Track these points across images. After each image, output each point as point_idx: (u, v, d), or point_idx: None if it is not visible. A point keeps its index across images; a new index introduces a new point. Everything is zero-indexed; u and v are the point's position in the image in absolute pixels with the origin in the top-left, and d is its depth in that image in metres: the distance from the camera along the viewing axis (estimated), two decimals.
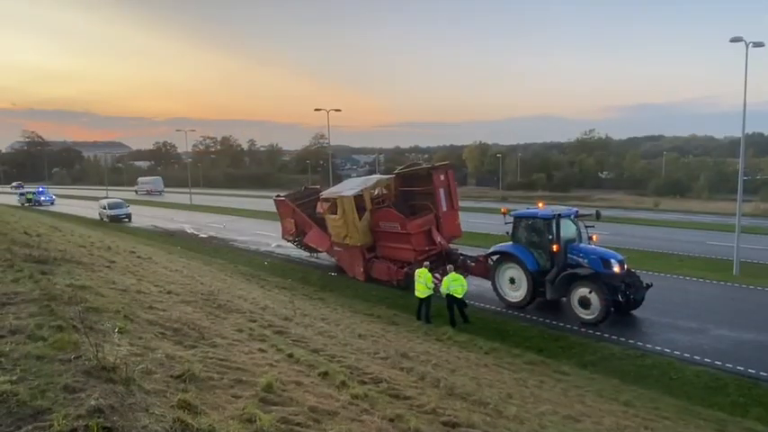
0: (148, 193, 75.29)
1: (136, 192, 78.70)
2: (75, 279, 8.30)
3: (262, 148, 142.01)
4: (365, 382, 6.97)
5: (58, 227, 24.61)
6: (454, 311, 15.37)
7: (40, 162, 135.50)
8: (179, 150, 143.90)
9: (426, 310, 15.79)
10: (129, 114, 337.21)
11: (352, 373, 7.25)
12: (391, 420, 5.50)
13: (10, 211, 36.24)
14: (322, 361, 7.50)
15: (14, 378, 3.86)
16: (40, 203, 60.46)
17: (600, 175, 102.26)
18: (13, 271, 7.96)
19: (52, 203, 61.65)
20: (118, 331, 5.62)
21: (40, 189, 65.95)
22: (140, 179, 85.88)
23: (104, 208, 44.53)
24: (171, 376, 4.80)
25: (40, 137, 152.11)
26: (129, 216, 43.60)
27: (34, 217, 33.84)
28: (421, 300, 15.85)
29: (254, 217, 44.15)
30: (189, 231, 36.94)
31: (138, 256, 17.95)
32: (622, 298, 15.35)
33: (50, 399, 3.59)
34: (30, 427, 3.22)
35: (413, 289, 16.22)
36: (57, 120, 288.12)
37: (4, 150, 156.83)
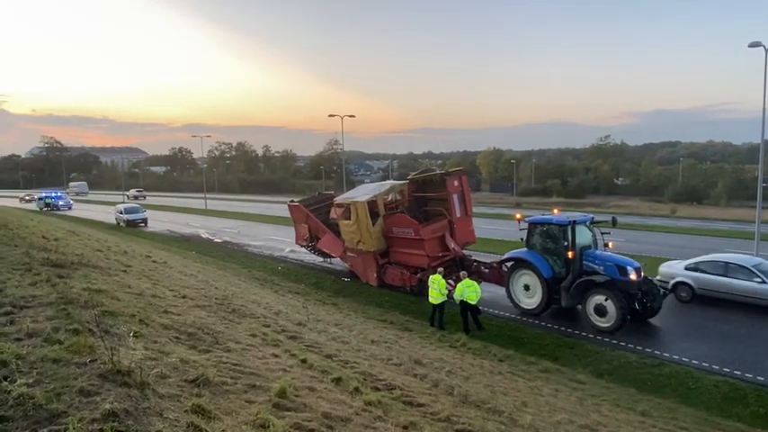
0: (77, 194, 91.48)
1: (67, 193, 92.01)
2: (91, 283, 8.37)
3: (276, 154, 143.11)
4: (378, 389, 6.93)
5: (76, 231, 24.92)
6: (468, 318, 15.28)
7: (59, 167, 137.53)
8: (195, 156, 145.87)
9: (440, 317, 15.72)
10: (146, 120, 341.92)
11: (365, 380, 7.22)
12: (405, 428, 5.46)
13: (29, 215, 36.79)
14: (335, 367, 7.47)
15: (31, 381, 3.89)
16: (57, 208, 61.31)
17: (615, 181, 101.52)
18: (31, 274, 8.04)
19: (70, 208, 62.51)
20: (133, 335, 5.66)
21: (57, 194, 67.49)
22: (71, 183, 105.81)
23: (121, 213, 45.03)
24: (185, 381, 4.81)
25: (59, 142, 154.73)
26: (145, 221, 44.04)
27: (52, 221, 34.32)
28: (434, 306, 15.79)
29: (269, 222, 44.37)
30: (204, 236, 37.18)
31: (154, 261, 18.09)
32: (639, 306, 15.16)
33: (66, 402, 3.61)
34: (45, 430, 3.25)
35: (426, 295, 16.15)
36: (75, 126, 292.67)
37: (23, 156, 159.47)
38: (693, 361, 12.70)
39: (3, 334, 5.03)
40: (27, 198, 76.66)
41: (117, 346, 4.75)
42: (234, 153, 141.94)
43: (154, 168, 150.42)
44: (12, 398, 3.61)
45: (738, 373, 11.95)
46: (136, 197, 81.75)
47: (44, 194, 65.62)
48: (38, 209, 59.56)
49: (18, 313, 5.84)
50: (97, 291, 7.73)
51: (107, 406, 3.49)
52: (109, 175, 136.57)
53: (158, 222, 45.26)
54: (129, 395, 3.82)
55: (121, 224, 43.75)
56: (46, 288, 7.17)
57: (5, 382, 3.84)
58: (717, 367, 12.29)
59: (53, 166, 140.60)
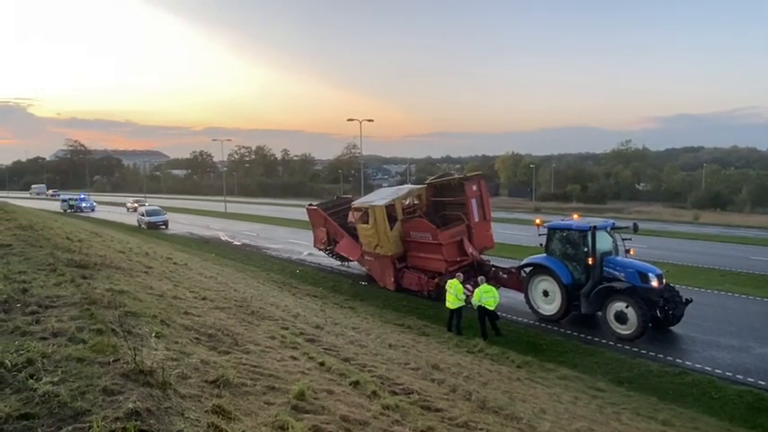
0: (38, 194, 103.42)
1: (30, 194, 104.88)
2: (114, 284, 8.48)
3: (295, 158, 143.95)
4: (396, 393, 6.93)
5: (99, 233, 25.30)
6: (486, 324, 15.18)
7: (82, 170, 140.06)
8: (215, 159, 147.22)
9: (457, 322, 15.64)
10: (168, 124, 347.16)
11: (383, 384, 7.23)
12: None
13: (53, 217, 37.45)
14: (353, 370, 7.49)
15: (56, 379, 3.95)
16: (81, 210, 62.39)
17: (637, 186, 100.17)
18: (56, 275, 8.17)
19: (93, 210, 63.59)
20: (155, 336, 5.72)
21: (82, 196, 68.71)
22: (33, 186, 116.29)
23: (142, 215, 45.73)
24: (205, 381, 4.86)
25: (83, 145, 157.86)
26: (166, 223, 44.63)
27: (75, 223, 34.86)
28: (452, 311, 15.72)
29: (287, 225, 44.63)
30: (223, 239, 37.55)
31: (175, 263, 18.29)
32: (660, 313, 14.95)
33: (90, 401, 3.66)
34: (70, 428, 3.29)
35: (443, 300, 16.10)
36: (99, 129, 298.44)
37: (48, 158, 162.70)
38: (716, 370, 12.48)
39: (29, 333, 5.13)
40: (133, 205, 61.37)
41: (139, 347, 4.81)
42: (253, 157, 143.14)
43: (175, 171, 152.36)
44: (37, 395, 3.67)
45: (763, 383, 11.70)
46: (39, 194, 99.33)
47: (66, 196, 67.07)
48: (61, 210, 60.67)
49: (43, 313, 5.94)
50: (120, 291, 7.84)
51: (130, 405, 3.54)
52: (131, 177, 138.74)
53: (179, 225, 45.81)
54: (151, 395, 3.87)
55: (143, 226, 44.40)
56: (70, 288, 7.28)
57: (31, 380, 3.91)
58: (741, 377, 12.06)
59: (77, 169, 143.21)
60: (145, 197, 75.51)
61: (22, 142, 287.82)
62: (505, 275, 18.39)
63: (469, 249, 19.08)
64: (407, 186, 25.94)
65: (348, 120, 46.37)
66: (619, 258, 15.78)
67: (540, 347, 14.41)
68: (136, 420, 3.35)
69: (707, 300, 18.19)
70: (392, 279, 20.69)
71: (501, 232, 26.33)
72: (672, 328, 15.23)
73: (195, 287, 12.35)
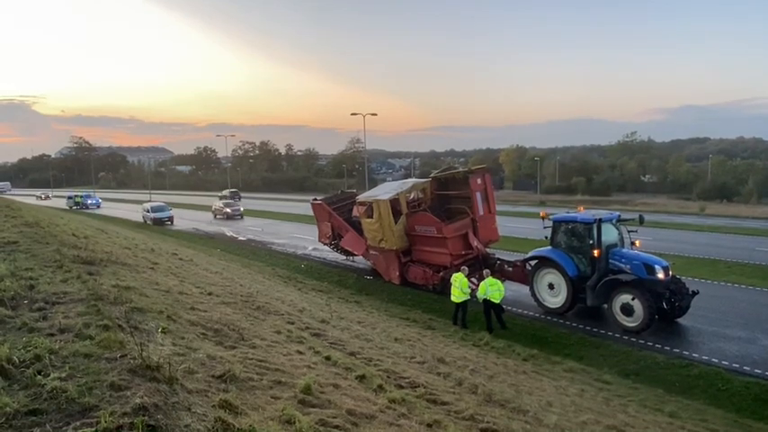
0: (1, 192, 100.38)
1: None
2: (120, 280, 8.51)
3: (299, 153, 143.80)
4: (402, 387, 6.94)
5: (104, 229, 25.38)
6: (491, 317, 15.19)
7: (88, 167, 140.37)
8: (219, 155, 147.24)
9: (462, 315, 15.66)
10: (173, 120, 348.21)
11: (388, 377, 7.24)
12: (429, 426, 5.45)
13: (59, 213, 37.60)
14: (359, 364, 7.50)
15: (64, 375, 3.97)
16: (86, 207, 62.66)
17: (642, 178, 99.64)
18: (62, 271, 8.21)
19: (98, 207, 63.86)
20: (161, 331, 5.74)
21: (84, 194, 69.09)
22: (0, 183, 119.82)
23: (148, 211, 45.85)
24: (212, 376, 4.87)
25: (88, 142, 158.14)
26: (171, 219, 44.73)
27: (81, 219, 34.98)
28: (457, 304, 15.73)
29: (292, 220, 44.66)
30: (228, 234, 37.61)
31: (180, 258, 18.35)
32: (667, 305, 14.89)
33: (97, 396, 3.68)
34: (78, 424, 3.31)
35: (449, 293, 16.10)
36: (103, 126, 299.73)
37: (53, 156, 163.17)
38: (723, 362, 12.44)
39: (36, 329, 5.15)
40: (224, 210, 48.44)
41: (146, 342, 4.83)
42: (257, 152, 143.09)
43: (180, 167, 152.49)
44: (46, 391, 3.69)
45: None
46: (2, 192, 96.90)
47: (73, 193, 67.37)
48: (67, 207, 60.93)
49: (50, 309, 5.97)
50: (126, 287, 7.87)
51: (137, 400, 3.55)
52: (136, 174, 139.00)
53: (184, 221, 45.91)
54: (158, 390, 3.88)
55: (148, 222, 44.53)
56: (77, 285, 7.31)
57: (39, 376, 3.93)
58: (748, 368, 12.02)
59: (82, 166, 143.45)
60: (237, 192, 68.95)
61: (28, 140, 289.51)
62: (511, 268, 18.36)
63: (474, 243, 19.06)
64: (412, 180, 25.92)
65: (352, 114, 46.44)
66: (624, 250, 15.73)
67: (546, 340, 14.40)
68: (143, 415, 3.36)
69: (713, 291, 18.12)
70: (397, 273, 20.70)
71: (506, 225, 26.29)
72: (678, 319, 15.18)
73: (201, 283, 12.39)
